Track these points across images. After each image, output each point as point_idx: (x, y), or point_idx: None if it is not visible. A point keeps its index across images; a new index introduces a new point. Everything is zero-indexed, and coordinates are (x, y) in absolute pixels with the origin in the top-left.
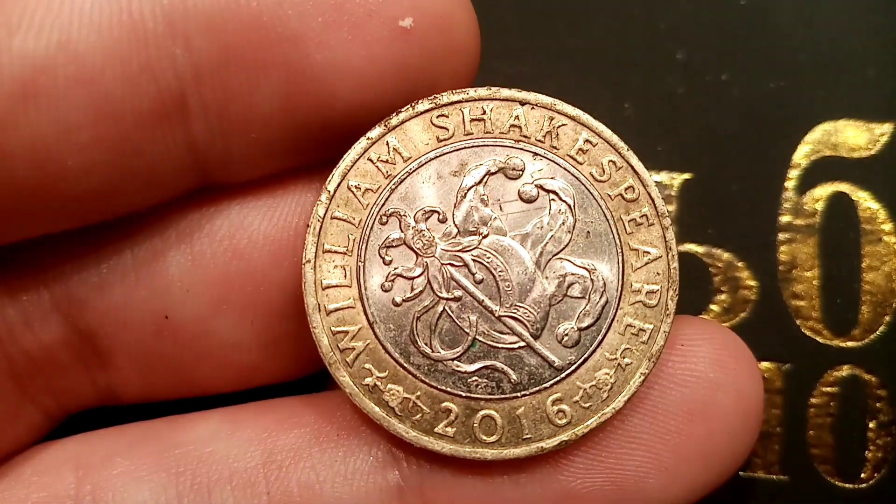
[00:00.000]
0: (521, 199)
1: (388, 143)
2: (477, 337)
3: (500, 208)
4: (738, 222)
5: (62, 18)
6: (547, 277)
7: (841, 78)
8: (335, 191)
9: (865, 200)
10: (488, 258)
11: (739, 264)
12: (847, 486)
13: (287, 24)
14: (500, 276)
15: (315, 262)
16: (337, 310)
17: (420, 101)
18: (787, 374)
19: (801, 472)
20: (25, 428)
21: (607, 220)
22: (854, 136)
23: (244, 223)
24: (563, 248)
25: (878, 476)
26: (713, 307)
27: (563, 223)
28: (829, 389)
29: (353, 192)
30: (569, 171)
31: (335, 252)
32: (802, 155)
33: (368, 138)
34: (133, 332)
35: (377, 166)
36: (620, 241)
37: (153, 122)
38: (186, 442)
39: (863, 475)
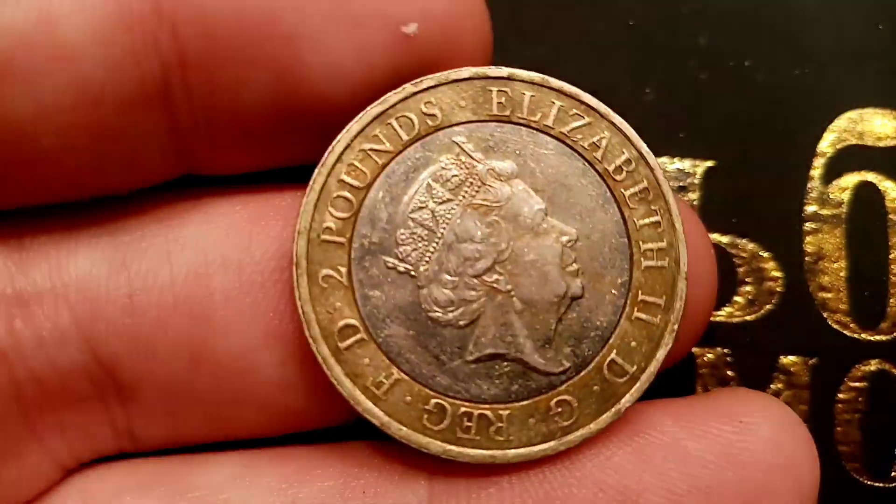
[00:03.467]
0: None
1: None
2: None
3: None
4: (763, 212)
5: None
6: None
7: (867, 65)
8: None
9: (892, 190)
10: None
11: (764, 255)
12: (876, 484)
13: (281, 22)
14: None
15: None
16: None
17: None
18: (814, 369)
19: (827, 469)
20: (30, 474)
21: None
22: (880, 125)
23: None
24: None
25: None
26: (738, 298)
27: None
28: (856, 384)
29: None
30: None
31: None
32: (828, 143)
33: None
34: (164, 363)
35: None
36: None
37: (135, 108)
38: (201, 486)
39: (892, 473)
